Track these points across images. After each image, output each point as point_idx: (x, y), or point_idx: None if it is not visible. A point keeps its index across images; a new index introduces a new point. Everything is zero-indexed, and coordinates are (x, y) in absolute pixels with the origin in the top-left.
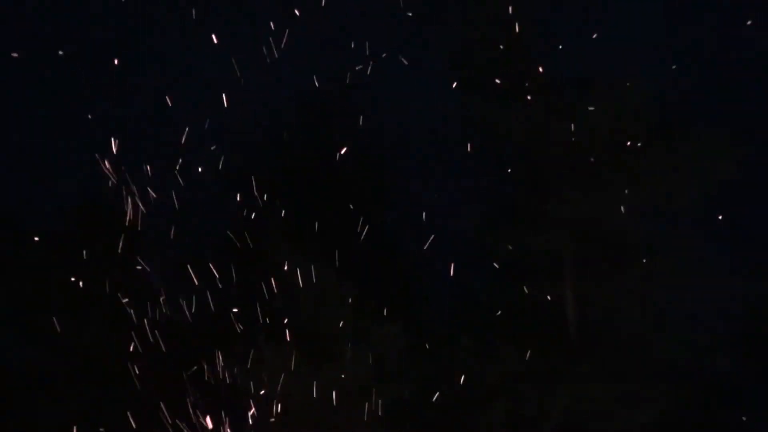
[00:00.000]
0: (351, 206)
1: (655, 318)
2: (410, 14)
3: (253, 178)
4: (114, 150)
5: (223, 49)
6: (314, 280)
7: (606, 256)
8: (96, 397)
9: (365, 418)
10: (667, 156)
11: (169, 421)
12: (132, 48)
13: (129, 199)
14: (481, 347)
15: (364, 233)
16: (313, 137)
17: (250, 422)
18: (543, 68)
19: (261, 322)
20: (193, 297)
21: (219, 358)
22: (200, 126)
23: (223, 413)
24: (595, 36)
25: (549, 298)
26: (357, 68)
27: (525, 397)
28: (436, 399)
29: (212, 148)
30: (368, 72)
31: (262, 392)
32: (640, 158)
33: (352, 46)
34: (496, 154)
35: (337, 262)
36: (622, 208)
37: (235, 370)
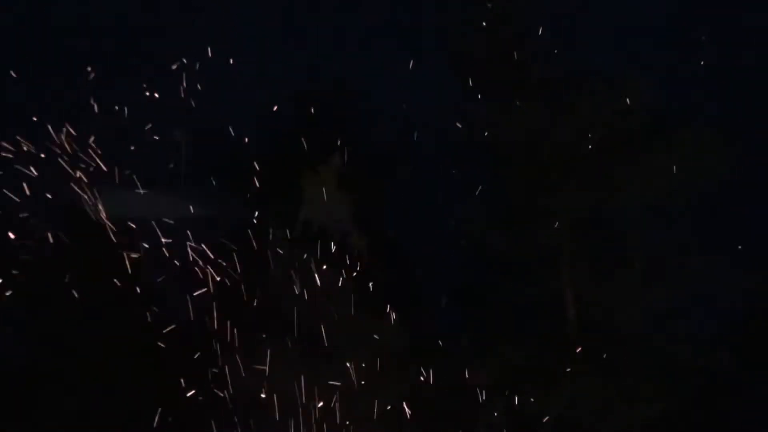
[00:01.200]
0: (350, 205)
1: (655, 316)
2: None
3: (251, 177)
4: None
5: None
6: (313, 279)
7: (605, 255)
8: (95, 398)
9: (364, 418)
10: (667, 154)
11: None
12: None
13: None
14: (480, 346)
15: (363, 232)
16: (311, 136)
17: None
18: (541, 66)
19: (260, 322)
20: (193, 297)
21: (218, 358)
22: (198, 125)
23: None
24: (594, 35)
25: (548, 296)
26: (356, 66)
27: (525, 396)
28: (436, 398)
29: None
30: (367, 69)
31: (263, 393)
32: (640, 157)
33: (352, 45)
34: (495, 152)
35: (336, 262)
36: (621, 206)
37: (235, 370)
